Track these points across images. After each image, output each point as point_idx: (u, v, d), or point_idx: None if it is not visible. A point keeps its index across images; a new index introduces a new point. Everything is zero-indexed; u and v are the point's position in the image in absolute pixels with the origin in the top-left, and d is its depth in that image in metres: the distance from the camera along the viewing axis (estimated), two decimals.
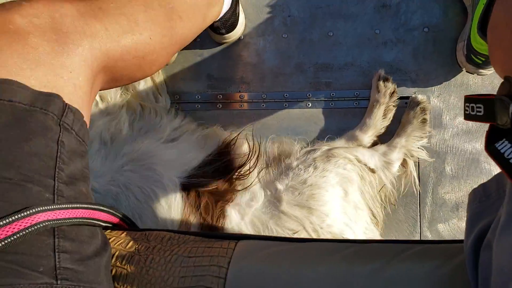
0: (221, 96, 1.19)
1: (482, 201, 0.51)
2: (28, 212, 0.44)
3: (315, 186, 0.92)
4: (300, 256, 0.52)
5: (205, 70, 1.20)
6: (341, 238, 0.88)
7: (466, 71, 1.10)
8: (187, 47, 1.19)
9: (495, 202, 0.50)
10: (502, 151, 0.46)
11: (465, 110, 0.60)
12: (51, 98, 0.50)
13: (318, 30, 1.17)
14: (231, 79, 1.19)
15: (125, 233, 0.61)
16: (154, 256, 0.54)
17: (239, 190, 0.93)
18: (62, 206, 0.49)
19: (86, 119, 0.57)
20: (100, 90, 0.65)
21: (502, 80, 0.48)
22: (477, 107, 0.57)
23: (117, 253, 0.57)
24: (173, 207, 0.89)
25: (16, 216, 0.43)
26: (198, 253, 0.54)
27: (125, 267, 0.54)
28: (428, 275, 0.48)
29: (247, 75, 1.18)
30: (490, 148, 0.48)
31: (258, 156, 1.00)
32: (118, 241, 0.59)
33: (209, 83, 1.20)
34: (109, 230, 0.62)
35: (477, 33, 0.98)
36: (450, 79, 1.12)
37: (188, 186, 0.92)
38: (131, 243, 0.58)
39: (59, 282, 0.44)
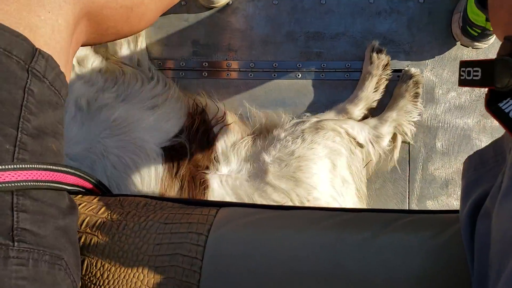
0: (206, 63, 1.13)
1: (478, 168, 0.48)
2: None
3: (303, 158, 0.88)
4: (285, 222, 0.49)
5: (190, 36, 1.13)
6: None
7: (461, 44, 1.06)
8: (172, 11, 1.13)
9: (492, 169, 0.47)
10: (506, 110, 0.43)
11: (460, 75, 0.56)
12: (16, 39, 0.44)
13: None
14: (217, 46, 1.13)
15: (97, 198, 0.56)
16: (128, 222, 0.50)
17: (221, 160, 0.89)
18: (24, 166, 0.43)
19: (65, 69, 0.50)
20: (82, 45, 0.59)
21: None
22: (474, 71, 0.53)
23: (87, 219, 0.52)
24: (153, 176, 0.84)
25: None
26: (175, 219, 0.50)
27: (96, 234, 0.50)
28: (422, 245, 0.45)
29: (234, 43, 1.12)
30: (493, 108, 0.45)
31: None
32: (90, 207, 0.54)
33: (194, 50, 1.13)
34: (80, 196, 0.57)
35: (474, 3, 0.94)
36: (444, 53, 1.08)
37: (168, 156, 0.87)
38: (103, 209, 0.53)
39: (15, 244, 0.39)
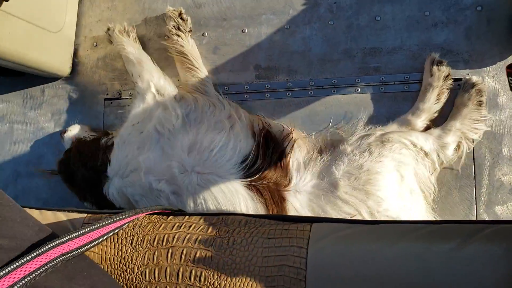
0: (268, 85, 1.21)
1: None
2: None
3: (372, 171, 0.93)
4: (375, 236, 0.55)
5: (252, 61, 1.23)
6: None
7: None
8: (234, 38, 1.23)
9: None
10: None
11: (509, 82, 0.60)
12: None
13: (365, 15, 1.16)
14: (278, 68, 1.21)
15: (202, 218, 0.65)
16: (236, 238, 0.58)
17: (294, 175, 0.96)
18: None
19: None
20: None
21: None
22: None
23: (199, 238, 0.61)
24: (233, 191, 0.93)
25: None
26: (276, 234, 0.57)
27: (209, 249, 0.59)
28: (506, 254, 0.49)
29: (294, 64, 1.20)
30: None
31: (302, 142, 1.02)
32: (199, 227, 0.63)
33: (257, 73, 1.23)
34: (187, 216, 0.66)
35: None
36: (505, 58, 1.09)
37: (244, 172, 0.96)
38: (210, 228, 0.62)
39: None
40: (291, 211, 0.89)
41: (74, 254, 0.51)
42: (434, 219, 0.96)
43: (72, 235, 0.51)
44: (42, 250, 0.48)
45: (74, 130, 1.28)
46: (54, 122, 1.39)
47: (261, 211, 0.92)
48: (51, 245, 0.49)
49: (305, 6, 1.20)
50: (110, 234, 0.59)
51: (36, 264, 0.46)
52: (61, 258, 0.49)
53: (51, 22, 1.26)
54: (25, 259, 0.46)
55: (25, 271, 0.45)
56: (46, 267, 0.47)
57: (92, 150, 1.15)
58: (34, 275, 0.46)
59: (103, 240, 0.57)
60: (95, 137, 1.21)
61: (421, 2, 1.13)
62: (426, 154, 1.01)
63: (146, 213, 0.66)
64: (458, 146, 1.06)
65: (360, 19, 1.16)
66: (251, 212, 0.91)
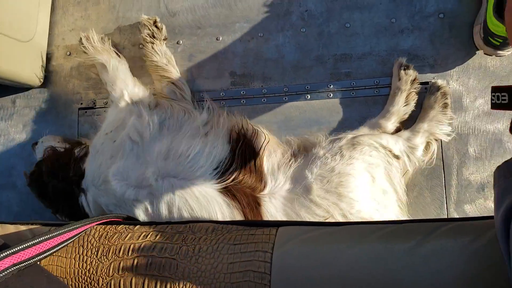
0: (244, 92, 1.23)
1: (507, 177, 0.54)
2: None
3: (343, 173, 0.95)
4: (338, 237, 0.56)
5: (228, 68, 1.24)
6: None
7: (485, 54, 1.11)
8: (209, 47, 1.24)
9: None
10: None
11: (491, 99, 0.63)
12: None
13: (336, 22, 1.19)
14: (253, 75, 1.23)
15: (169, 227, 0.65)
16: (202, 246, 0.59)
17: (268, 179, 0.97)
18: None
19: None
20: None
21: None
22: (502, 95, 0.60)
23: (165, 246, 0.61)
24: (208, 198, 0.93)
25: None
26: (242, 240, 0.58)
27: (175, 258, 0.59)
28: (462, 250, 0.51)
29: (268, 70, 1.22)
30: None
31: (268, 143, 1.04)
32: (165, 236, 0.63)
33: (232, 80, 1.24)
34: (154, 225, 0.67)
35: (493, 15, 0.99)
36: (468, 63, 1.14)
37: (220, 177, 0.96)
38: (177, 236, 0.63)
39: None
40: (266, 216, 0.90)
41: (27, 264, 0.50)
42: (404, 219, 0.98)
43: (24, 245, 0.51)
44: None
45: (46, 141, 1.25)
46: (25, 133, 1.37)
47: (237, 217, 0.92)
48: (1, 255, 0.49)
49: (277, 14, 1.22)
50: (65, 244, 0.58)
51: None
52: (12, 268, 0.49)
53: (21, 31, 1.24)
54: None
55: None
56: None
57: (64, 161, 1.13)
58: None
59: (57, 250, 0.56)
60: (67, 148, 1.19)
61: (388, 9, 1.18)
62: (396, 156, 1.04)
63: (99, 222, 0.65)
64: (428, 147, 1.10)
65: (331, 26, 1.20)
66: (227, 218, 0.92)
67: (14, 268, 0.50)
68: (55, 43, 1.37)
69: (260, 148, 1.04)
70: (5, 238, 0.57)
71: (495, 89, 0.60)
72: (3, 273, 0.48)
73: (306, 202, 0.94)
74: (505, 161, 0.56)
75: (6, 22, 1.17)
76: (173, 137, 1.05)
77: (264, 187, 0.97)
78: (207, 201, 0.93)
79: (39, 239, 0.53)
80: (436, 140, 1.09)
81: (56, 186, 1.08)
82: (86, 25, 1.35)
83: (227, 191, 0.94)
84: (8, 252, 0.50)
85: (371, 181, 0.98)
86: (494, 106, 0.60)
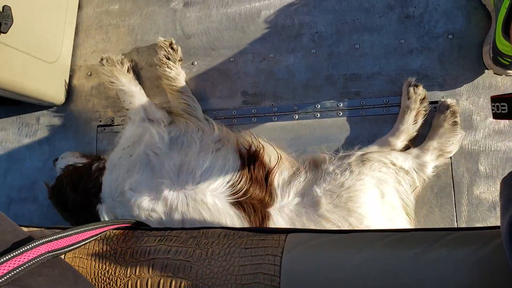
0: (255, 110, 1.27)
1: None
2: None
3: (352, 188, 0.96)
4: (346, 243, 0.57)
5: (240, 87, 1.29)
6: None
7: (494, 73, 1.13)
8: (224, 67, 1.29)
9: None
10: None
11: (492, 109, 0.65)
12: None
13: (345, 43, 1.23)
14: (264, 94, 1.27)
15: (184, 232, 0.68)
16: (214, 249, 0.61)
17: (278, 193, 0.99)
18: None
19: None
20: None
21: None
22: (502, 105, 0.62)
23: (179, 250, 0.64)
24: (220, 210, 0.96)
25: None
26: (253, 244, 0.60)
27: (189, 260, 0.61)
28: (467, 257, 0.52)
29: (279, 90, 1.26)
30: None
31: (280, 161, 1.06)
32: (180, 240, 0.66)
33: (244, 99, 1.28)
34: (169, 230, 0.69)
35: (502, 35, 1.01)
36: (478, 82, 1.15)
37: (231, 191, 0.99)
38: (190, 240, 0.65)
39: None
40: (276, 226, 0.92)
41: (59, 252, 0.57)
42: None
43: (57, 236, 0.58)
44: (31, 246, 0.54)
45: (66, 157, 1.31)
46: (47, 149, 1.43)
47: None
48: (39, 242, 0.56)
49: (288, 36, 1.27)
50: (89, 240, 0.62)
51: (24, 258, 0.52)
52: (48, 254, 0.55)
53: (47, 53, 1.32)
54: (15, 253, 0.52)
55: (14, 264, 0.51)
56: (34, 261, 0.53)
57: (83, 175, 1.18)
58: (22, 267, 0.52)
59: (83, 244, 0.60)
60: (86, 162, 1.24)
61: (396, 31, 1.21)
62: (406, 172, 1.05)
63: (117, 226, 0.69)
64: (437, 165, 1.10)
65: (341, 47, 1.24)
66: None
67: (49, 254, 0.56)
68: (77, 64, 1.45)
69: (271, 163, 1.07)
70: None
71: (494, 99, 0.62)
72: (40, 258, 0.54)
73: (315, 217, 0.95)
74: (510, 172, 0.57)
75: (34, 45, 1.25)
76: (186, 152, 1.09)
77: (274, 201, 0.99)
78: (218, 213, 0.95)
79: (70, 232, 0.59)
80: (445, 158, 1.09)
81: (75, 198, 1.13)
82: (106, 47, 1.43)
83: (238, 204, 0.96)
84: (44, 240, 0.57)
85: (381, 197, 0.98)
86: (495, 116, 0.62)
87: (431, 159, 1.08)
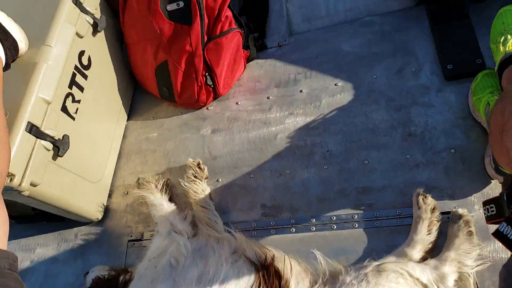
0: (274, 222, 1.34)
1: (506, 278, 0.57)
2: None
3: None
4: None
5: (259, 201, 1.38)
6: None
7: (499, 182, 1.17)
8: (243, 182, 1.42)
9: None
10: (505, 232, 0.56)
11: (484, 214, 0.70)
12: None
13: (355, 160, 1.35)
14: (281, 207, 1.35)
15: None
16: None
17: None
18: None
19: None
20: None
21: None
22: (490, 207, 0.68)
23: None
24: None
25: None
26: None
27: None
28: None
29: (295, 202, 1.34)
30: (495, 232, 0.58)
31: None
32: None
33: (263, 212, 1.37)
34: None
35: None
36: (487, 191, 1.19)
37: None
38: None
39: None
40: None
41: None
42: None
43: None
44: None
45: (96, 271, 1.38)
46: (81, 263, 1.52)
47: None
48: None
49: (302, 155, 1.41)
50: None
51: None
52: None
53: (92, 174, 1.52)
54: None
55: None
56: None
57: (111, 287, 1.23)
58: None
59: None
60: (114, 275, 1.30)
61: (402, 147, 1.32)
62: (424, 285, 1.03)
63: None
64: (460, 277, 1.07)
65: (351, 163, 1.35)
66: None
67: None
68: (116, 184, 1.63)
69: (288, 274, 1.08)
70: None
71: (484, 203, 0.68)
72: None
73: None
74: (503, 265, 0.60)
75: (83, 167, 1.46)
76: (206, 263, 1.14)
77: None
78: None
79: None
80: (466, 269, 1.07)
81: None
82: (143, 169, 1.62)
83: None
84: None
85: None
86: (487, 219, 0.66)
87: (450, 271, 1.06)
